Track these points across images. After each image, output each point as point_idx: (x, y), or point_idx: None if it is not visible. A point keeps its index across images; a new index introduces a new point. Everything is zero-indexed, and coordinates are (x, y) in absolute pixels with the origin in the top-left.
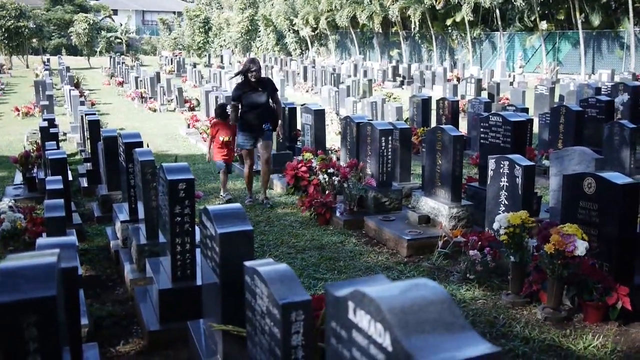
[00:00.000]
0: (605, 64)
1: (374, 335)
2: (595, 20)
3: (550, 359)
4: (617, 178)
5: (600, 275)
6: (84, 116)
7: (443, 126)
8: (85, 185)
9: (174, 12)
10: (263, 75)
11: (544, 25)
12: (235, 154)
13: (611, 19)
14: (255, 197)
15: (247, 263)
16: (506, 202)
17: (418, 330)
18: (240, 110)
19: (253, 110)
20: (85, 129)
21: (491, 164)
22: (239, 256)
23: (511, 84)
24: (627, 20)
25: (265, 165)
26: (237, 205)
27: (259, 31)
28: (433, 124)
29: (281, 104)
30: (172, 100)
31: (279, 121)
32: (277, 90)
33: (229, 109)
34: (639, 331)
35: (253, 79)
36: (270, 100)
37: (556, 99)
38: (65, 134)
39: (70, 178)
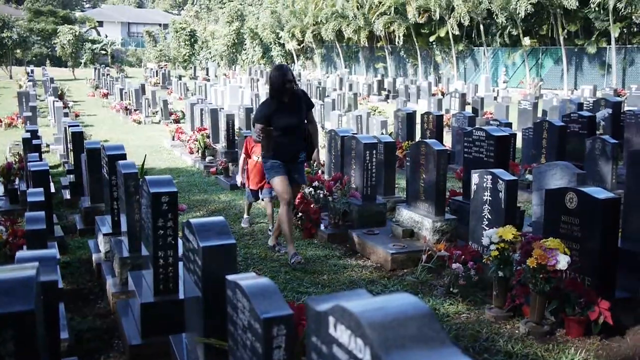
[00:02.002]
0: (587, 79)
1: (354, 351)
2: (574, 28)
3: None
4: (599, 193)
5: (582, 290)
6: (67, 128)
7: (427, 140)
8: (68, 197)
9: (160, 25)
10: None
11: (527, 41)
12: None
13: (593, 36)
14: (281, 243)
15: (229, 277)
16: (489, 217)
17: (398, 346)
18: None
19: (286, 134)
20: (68, 141)
21: (474, 178)
22: (221, 270)
23: (495, 98)
24: (593, 35)
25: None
26: (220, 218)
27: (245, 44)
28: (418, 138)
29: (316, 123)
30: (157, 112)
31: (316, 148)
32: (313, 105)
33: (255, 134)
34: (620, 345)
35: (287, 92)
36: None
37: (539, 114)
38: (48, 145)
39: (52, 190)
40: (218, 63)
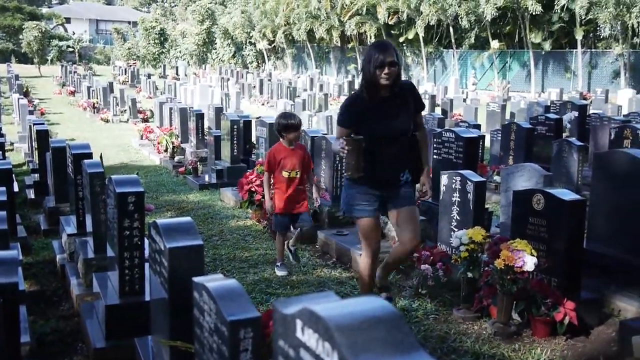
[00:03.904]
0: (554, 82)
1: (321, 355)
2: (541, 40)
3: None
4: (565, 194)
5: (548, 291)
6: (32, 126)
7: None
8: (33, 196)
9: (129, 22)
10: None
11: (495, 44)
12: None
13: (560, 41)
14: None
15: (196, 279)
16: (458, 218)
17: (366, 349)
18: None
19: (383, 146)
20: (33, 139)
21: (443, 179)
22: (188, 271)
23: (464, 100)
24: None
25: (408, 248)
26: (188, 219)
27: (215, 43)
28: None
29: (427, 131)
30: (125, 110)
31: (427, 166)
32: (424, 106)
33: (337, 144)
34: (585, 345)
35: (385, 82)
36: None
37: (507, 116)
38: (12, 143)
39: (16, 189)
40: (188, 62)
